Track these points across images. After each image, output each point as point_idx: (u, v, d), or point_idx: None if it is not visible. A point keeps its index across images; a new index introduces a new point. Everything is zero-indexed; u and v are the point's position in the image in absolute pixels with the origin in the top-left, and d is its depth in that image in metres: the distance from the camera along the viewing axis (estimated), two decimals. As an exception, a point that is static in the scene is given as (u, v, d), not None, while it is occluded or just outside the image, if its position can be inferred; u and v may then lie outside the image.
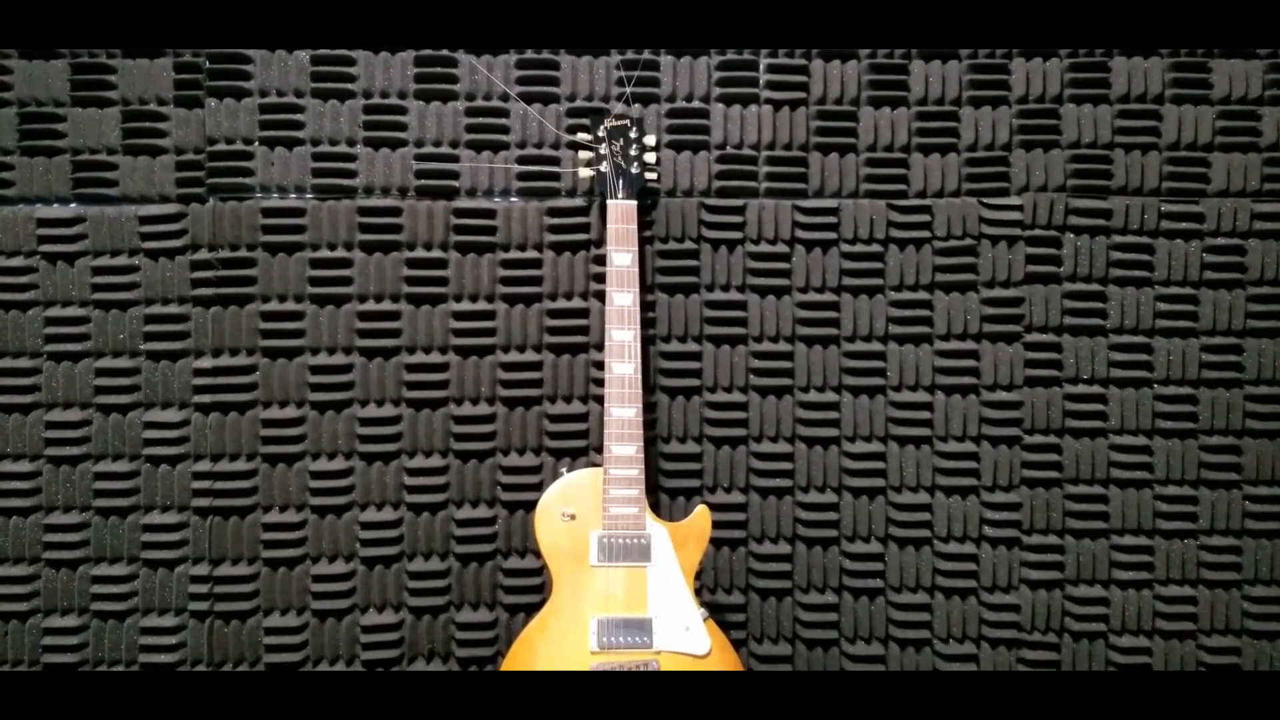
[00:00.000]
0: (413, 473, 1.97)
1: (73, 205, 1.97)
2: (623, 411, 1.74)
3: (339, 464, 1.97)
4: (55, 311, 1.95)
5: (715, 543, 1.99)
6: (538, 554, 1.95)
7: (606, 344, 1.75)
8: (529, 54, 1.99)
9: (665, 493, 1.98)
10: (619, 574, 1.71)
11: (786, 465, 1.99)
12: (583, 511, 1.73)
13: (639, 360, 1.75)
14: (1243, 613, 2.00)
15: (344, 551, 1.98)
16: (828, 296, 1.99)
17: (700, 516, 1.75)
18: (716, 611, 1.96)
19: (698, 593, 1.74)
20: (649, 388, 1.97)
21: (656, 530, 1.73)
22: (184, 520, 1.95)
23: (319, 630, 1.97)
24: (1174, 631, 2.00)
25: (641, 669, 1.67)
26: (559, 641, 1.69)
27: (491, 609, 1.99)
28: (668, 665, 1.68)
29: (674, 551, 1.73)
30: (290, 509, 1.97)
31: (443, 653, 1.99)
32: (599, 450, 1.94)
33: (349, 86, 1.98)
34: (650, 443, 1.96)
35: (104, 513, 1.95)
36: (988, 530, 1.99)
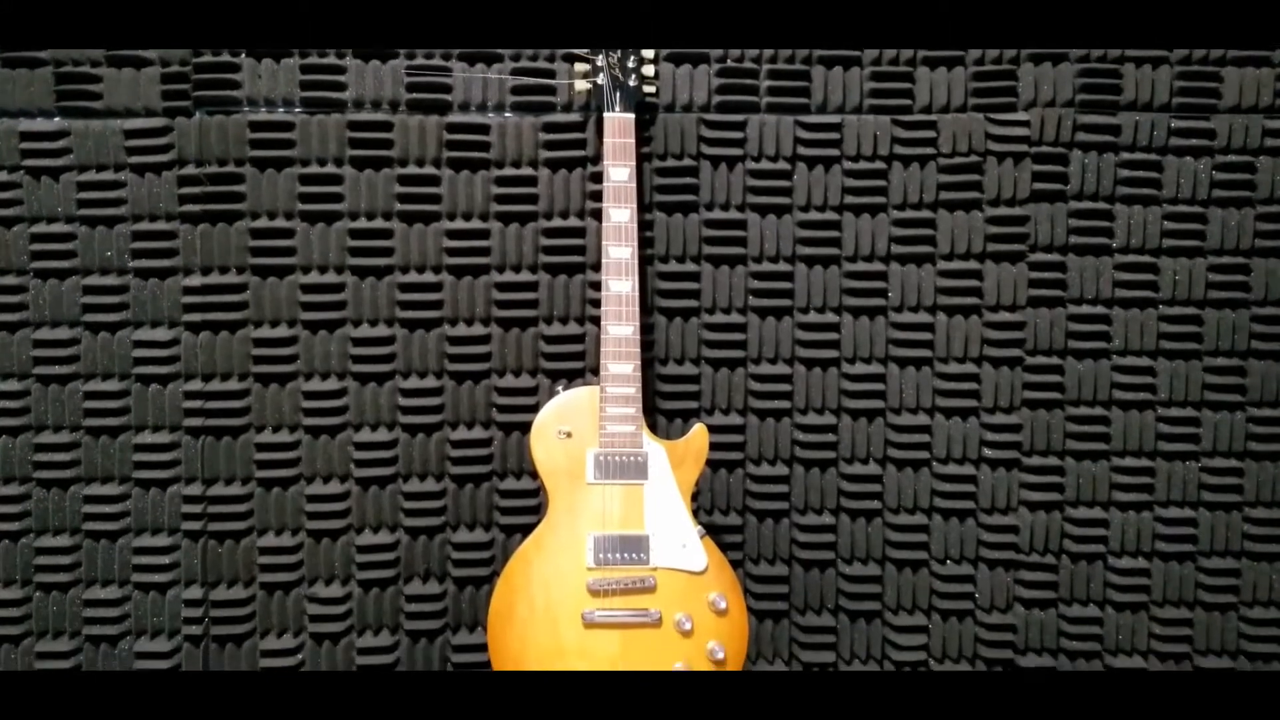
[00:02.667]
0: (407, 394, 1.94)
1: (57, 119, 1.92)
2: (620, 330, 1.71)
3: (332, 384, 1.94)
4: (41, 228, 1.91)
5: (713, 464, 1.97)
6: (534, 474, 1.94)
7: (604, 261, 1.72)
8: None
9: (663, 414, 1.96)
10: (615, 491, 1.70)
11: (785, 387, 1.97)
12: (579, 430, 1.71)
13: (636, 278, 1.72)
14: (1243, 534, 1.99)
15: (339, 472, 1.96)
16: (829, 215, 1.95)
17: (698, 435, 1.73)
18: (714, 533, 1.95)
19: (695, 514, 1.72)
20: (646, 308, 1.94)
21: (654, 448, 1.71)
22: (176, 440, 1.93)
23: (314, 550, 1.96)
24: (1173, 554, 1.99)
25: (638, 585, 1.66)
26: (555, 558, 1.67)
27: (488, 529, 1.98)
28: (664, 582, 1.67)
29: (671, 470, 1.71)
30: (284, 429, 1.95)
31: (439, 573, 1.98)
32: (595, 372, 1.92)
33: (338, -4, 1.92)
34: (648, 364, 1.94)
35: (94, 432, 1.93)
36: (987, 452, 1.98)
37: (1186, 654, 2.00)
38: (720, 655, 1.66)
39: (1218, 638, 2.00)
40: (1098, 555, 1.99)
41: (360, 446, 1.95)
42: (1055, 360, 1.97)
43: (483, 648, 1.93)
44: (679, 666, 1.65)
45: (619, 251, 1.72)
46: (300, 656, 1.97)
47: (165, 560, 1.93)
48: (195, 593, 1.94)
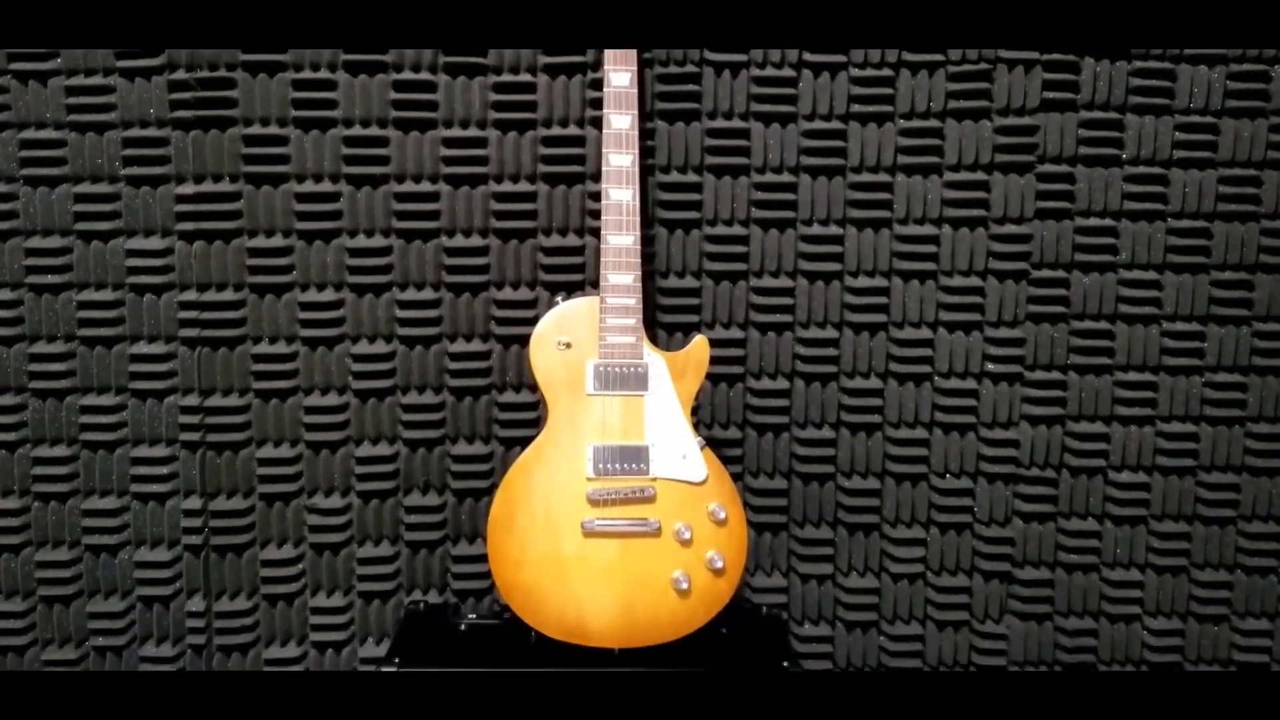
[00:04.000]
0: (404, 305, 1.92)
1: (41, 22, 1.87)
2: (620, 239, 1.69)
3: (328, 295, 1.92)
4: (30, 134, 1.87)
5: (713, 378, 1.96)
6: (533, 387, 1.92)
7: (604, 169, 1.68)
8: None
9: (663, 328, 1.94)
10: (615, 402, 1.69)
11: (787, 300, 1.95)
12: (578, 340, 1.69)
13: (637, 186, 1.68)
14: (1244, 449, 1.98)
15: (336, 384, 1.94)
16: (834, 124, 1.91)
17: (698, 346, 1.71)
18: (713, 447, 1.94)
19: (695, 428, 1.71)
20: (647, 220, 1.91)
21: (654, 359, 1.69)
22: (171, 351, 1.91)
23: (313, 461, 1.95)
24: (1174, 468, 1.99)
25: (638, 495, 1.66)
26: (555, 468, 1.67)
27: (487, 442, 1.97)
28: (663, 492, 1.67)
29: (671, 381, 1.69)
30: (280, 340, 1.93)
31: (438, 485, 1.98)
32: (595, 285, 1.89)
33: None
34: (648, 277, 1.91)
35: (89, 342, 1.91)
36: (990, 367, 1.96)
37: (1184, 567, 2.01)
38: (719, 564, 1.66)
39: (1215, 551, 2.01)
40: (1098, 469, 1.99)
41: (358, 359, 1.93)
42: (1061, 274, 1.94)
43: (482, 559, 1.94)
44: (678, 575, 1.65)
45: (619, 159, 1.69)
46: (301, 566, 1.97)
47: (163, 471, 1.93)
48: (194, 503, 1.94)
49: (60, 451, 1.93)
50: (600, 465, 1.67)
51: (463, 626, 1.80)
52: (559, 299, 1.76)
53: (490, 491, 1.97)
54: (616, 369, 1.68)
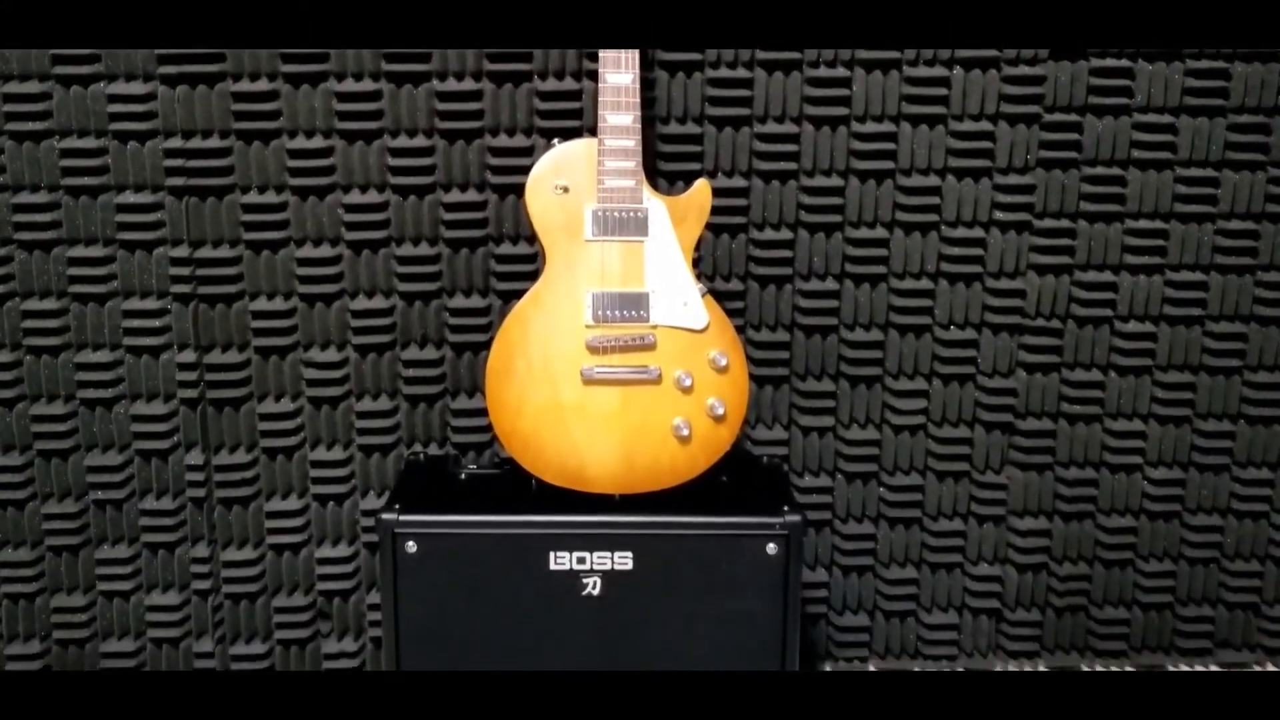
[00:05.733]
0: (396, 153, 1.86)
1: None
2: (619, 78, 1.63)
3: (318, 143, 1.86)
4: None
5: (715, 229, 1.91)
6: (531, 237, 1.88)
7: None
8: None
9: (663, 176, 1.89)
10: (614, 248, 1.65)
11: (792, 147, 1.89)
12: (576, 184, 1.64)
13: (636, 22, 1.61)
14: (1254, 299, 1.95)
15: (329, 235, 1.90)
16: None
17: (700, 190, 1.67)
18: (715, 299, 1.91)
19: (696, 278, 1.68)
20: (646, 61, 1.84)
21: (654, 204, 1.65)
22: (159, 200, 1.86)
23: (308, 314, 1.92)
24: (1181, 318, 1.96)
25: (638, 342, 1.63)
26: (553, 315, 1.64)
27: (484, 295, 1.94)
28: (664, 339, 1.64)
29: (672, 226, 1.65)
30: (270, 190, 1.88)
31: (435, 338, 1.95)
32: (593, 131, 1.82)
33: None
34: (648, 123, 1.84)
35: (74, 192, 1.85)
36: (998, 214, 1.92)
37: (1187, 417, 2.01)
38: (720, 411, 1.65)
39: (1220, 401, 2.00)
40: (1104, 319, 1.96)
41: (350, 209, 1.88)
42: (1074, 117, 1.88)
43: (482, 412, 1.92)
44: (678, 422, 1.64)
45: (618, -7, 1.61)
46: (299, 420, 1.96)
47: (156, 324, 1.90)
48: (189, 356, 1.92)
49: (50, 305, 1.89)
50: (599, 312, 1.64)
51: (463, 476, 1.80)
52: (555, 142, 1.70)
53: (488, 345, 1.94)
54: (616, 214, 1.64)
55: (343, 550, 2.00)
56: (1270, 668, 2.10)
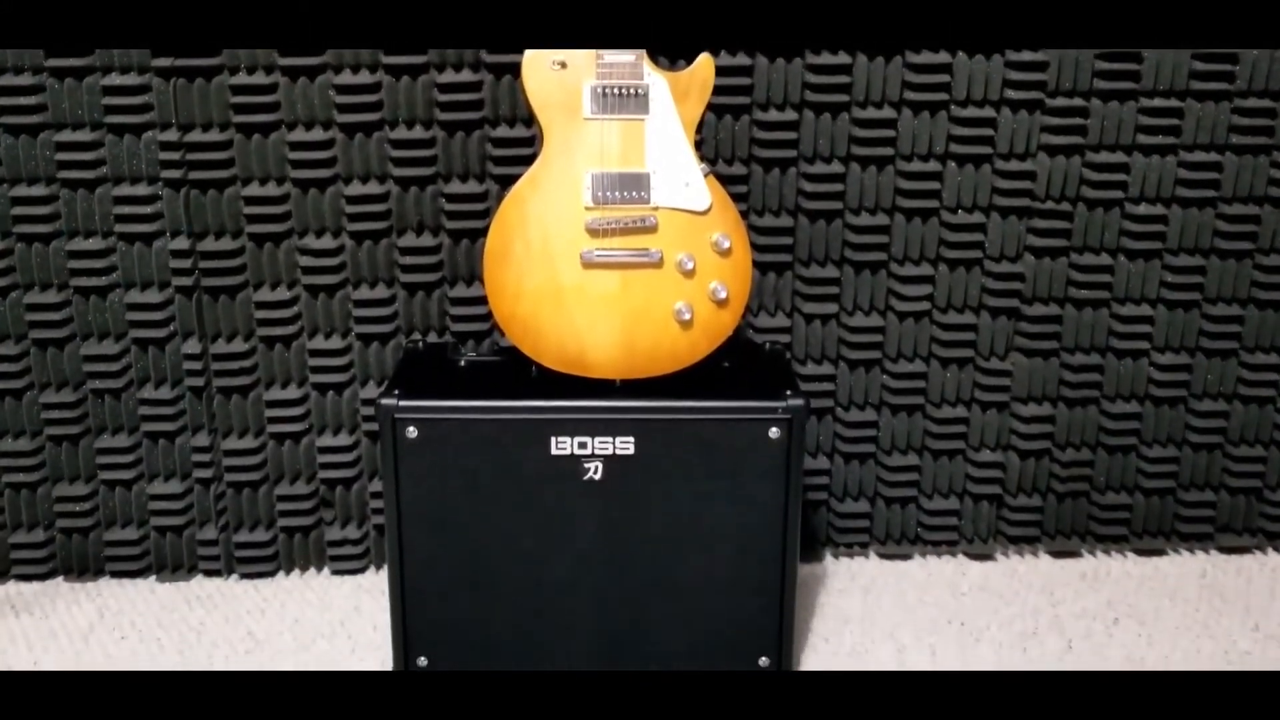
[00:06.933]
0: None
1: None
2: (617, -52, 1.56)
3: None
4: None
5: (717, 110, 1.86)
6: (528, 120, 1.83)
7: None
8: None
9: (665, 56, 1.83)
10: (614, 127, 1.60)
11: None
12: (574, 60, 1.58)
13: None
14: (1268, 180, 1.91)
15: (320, 118, 1.85)
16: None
17: (703, 65, 1.61)
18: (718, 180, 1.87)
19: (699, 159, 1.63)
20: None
21: (655, 80, 1.59)
22: (146, 83, 1.81)
23: (301, 202, 1.88)
24: (1194, 199, 1.92)
25: (638, 224, 1.60)
26: (551, 197, 1.60)
27: (481, 181, 1.90)
28: (665, 222, 1.60)
29: (674, 104, 1.60)
30: (259, 70, 1.82)
31: (432, 225, 1.92)
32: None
33: None
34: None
35: (58, 74, 1.79)
36: (1009, 93, 1.86)
37: (1196, 302, 1.98)
38: (723, 295, 1.62)
39: (1230, 285, 1.97)
40: (1115, 201, 1.92)
41: (342, 90, 1.83)
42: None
43: (481, 300, 1.89)
44: (680, 306, 1.61)
45: None
46: (296, 309, 1.94)
47: (147, 210, 1.86)
48: (182, 243, 1.89)
49: (39, 191, 1.85)
50: (599, 194, 1.60)
51: (462, 363, 1.78)
52: None
53: (485, 232, 1.90)
54: (615, 90, 1.59)
55: (344, 439, 2.00)
56: (1271, 553, 2.11)
